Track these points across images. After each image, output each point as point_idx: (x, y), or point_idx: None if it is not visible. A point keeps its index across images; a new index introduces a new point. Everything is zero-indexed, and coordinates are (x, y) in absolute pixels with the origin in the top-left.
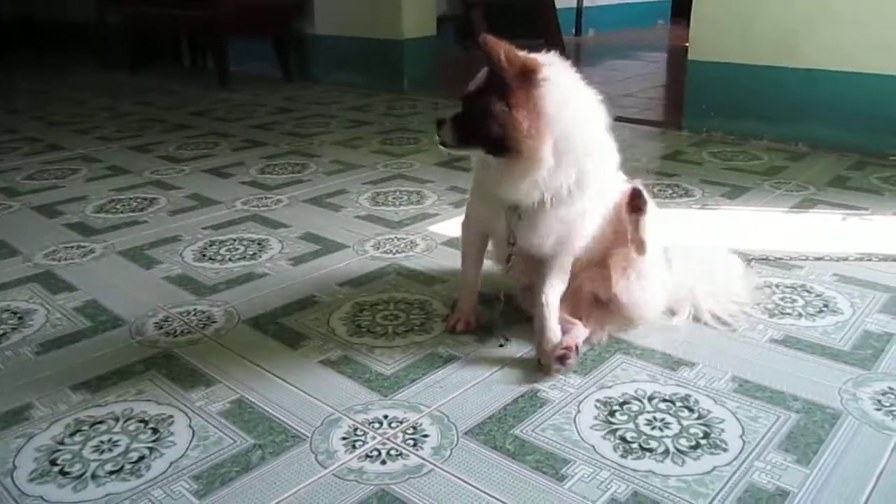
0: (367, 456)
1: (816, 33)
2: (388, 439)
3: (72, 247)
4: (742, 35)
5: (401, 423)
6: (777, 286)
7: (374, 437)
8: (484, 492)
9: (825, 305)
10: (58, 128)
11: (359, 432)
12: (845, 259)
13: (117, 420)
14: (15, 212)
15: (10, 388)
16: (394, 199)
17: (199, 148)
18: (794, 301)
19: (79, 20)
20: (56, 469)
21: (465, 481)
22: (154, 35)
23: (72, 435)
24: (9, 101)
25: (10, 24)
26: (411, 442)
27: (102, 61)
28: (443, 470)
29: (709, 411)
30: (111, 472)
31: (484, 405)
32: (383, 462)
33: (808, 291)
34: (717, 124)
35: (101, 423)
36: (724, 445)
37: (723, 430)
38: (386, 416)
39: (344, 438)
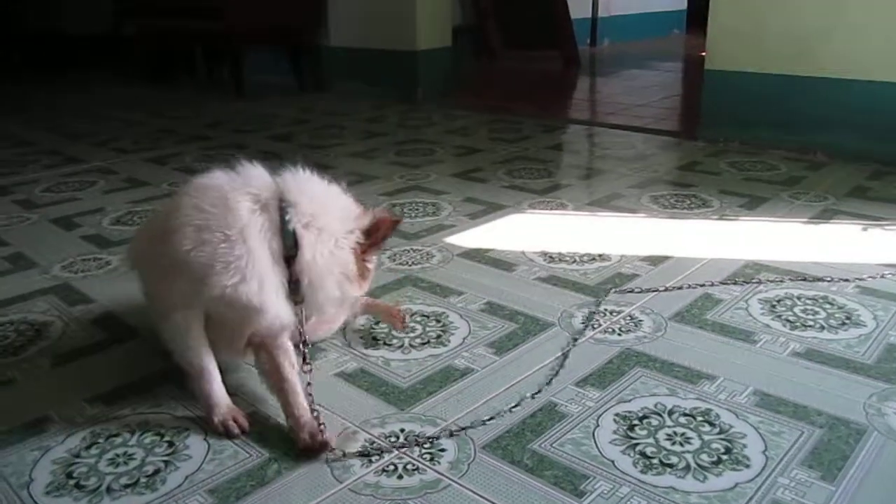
0: (383, 470)
1: (834, 42)
2: (404, 453)
3: (89, 259)
4: (759, 44)
5: (417, 437)
6: (798, 298)
7: (390, 452)
8: None
9: (847, 318)
10: (75, 140)
11: (375, 446)
12: (869, 274)
13: (133, 433)
14: (33, 224)
15: (27, 400)
16: (409, 210)
17: (216, 160)
18: (816, 313)
19: (95, 33)
20: (72, 482)
21: (482, 497)
22: (169, 47)
23: (88, 448)
24: (27, 113)
25: (33, 38)
26: (428, 456)
27: (119, 73)
28: (460, 485)
29: (730, 426)
30: (126, 486)
31: (501, 419)
32: (400, 477)
33: (829, 304)
34: (735, 134)
35: (116, 435)
36: (746, 461)
37: (745, 446)
38: (402, 430)
39: (360, 453)
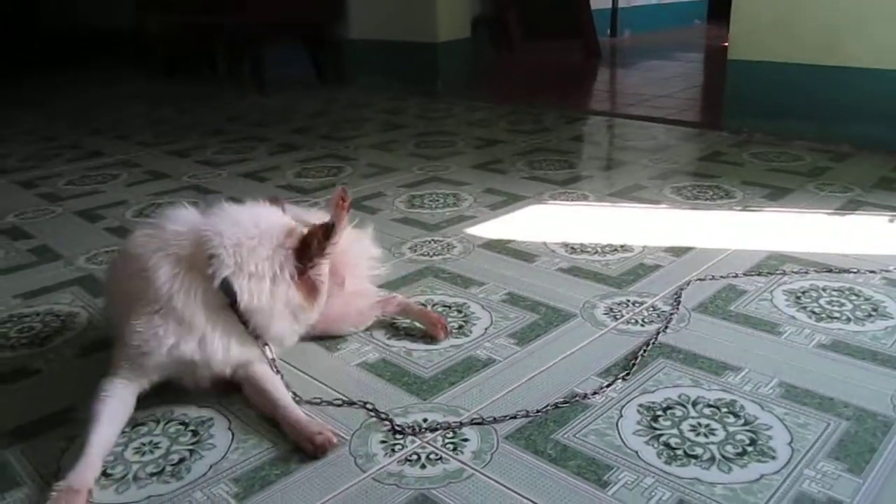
0: (406, 460)
1: (859, 31)
2: (427, 443)
3: (112, 250)
4: (783, 33)
5: (440, 426)
6: (824, 289)
7: (413, 441)
8: (525, 497)
9: (874, 310)
10: (98, 134)
11: (398, 436)
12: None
13: (158, 422)
14: (57, 216)
15: (54, 390)
16: (430, 201)
17: (236, 152)
18: (842, 305)
19: (115, 29)
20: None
21: (505, 486)
22: (189, 42)
23: None
24: (50, 108)
25: (49, 32)
26: (451, 446)
27: (140, 69)
28: (483, 475)
29: (755, 417)
30: (152, 474)
31: (524, 409)
32: (423, 466)
33: (855, 295)
34: (758, 124)
35: (142, 425)
36: (772, 453)
37: (770, 437)
38: (425, 420)
39: (383, 442)
